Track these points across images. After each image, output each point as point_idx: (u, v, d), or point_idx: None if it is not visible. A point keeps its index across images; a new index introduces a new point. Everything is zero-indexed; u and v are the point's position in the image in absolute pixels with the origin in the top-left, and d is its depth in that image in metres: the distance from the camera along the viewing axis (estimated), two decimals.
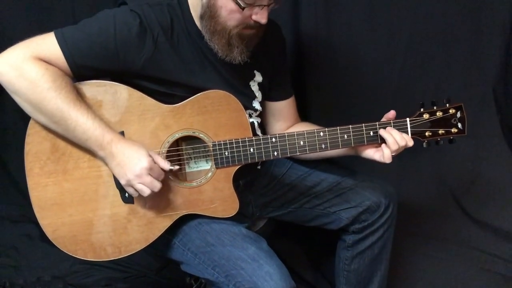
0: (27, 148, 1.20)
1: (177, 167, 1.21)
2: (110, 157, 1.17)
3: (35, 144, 1.20)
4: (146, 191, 1.16)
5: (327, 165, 1.53)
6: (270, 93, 1.47)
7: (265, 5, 1.17)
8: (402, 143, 1.26)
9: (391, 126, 1.29)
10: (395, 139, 1.26)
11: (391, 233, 1.51)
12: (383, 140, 1.29)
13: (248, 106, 1.37)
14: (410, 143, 1.28)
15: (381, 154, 1.29)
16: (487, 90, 2.01)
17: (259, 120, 1.43)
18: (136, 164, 1.14)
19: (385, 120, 1.31)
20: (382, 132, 1.28)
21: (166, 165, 1.18)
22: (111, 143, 1.16)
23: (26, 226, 2.12)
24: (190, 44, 1.26)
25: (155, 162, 1.17)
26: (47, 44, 1.16)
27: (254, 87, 1.40)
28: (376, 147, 1.32)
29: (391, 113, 1.31)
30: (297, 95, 1.55)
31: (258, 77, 1.40)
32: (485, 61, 1.99)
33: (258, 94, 1.41)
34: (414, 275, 1.85)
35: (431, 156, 2.04)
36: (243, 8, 1.16)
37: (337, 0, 1.89)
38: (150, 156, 1.17)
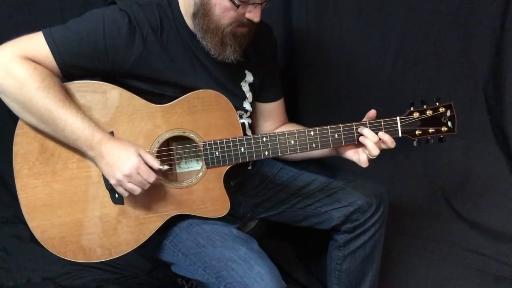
0: (16, 149, 1.19)
1: (166, 167, 1.20)
2: (99, 157, 1.16)
3: (24, 145, 1.19)
4: (136, 190, 1.16)
5: (317, 165, 1.53)
6: (260, 95, 1.46)
7: (258, 4, 1.18)
8: (380, 141, 1.24)
9: (381, 125, 1.27)
10: (373, 142, 1.24)
11: (382, 232, 1.51)
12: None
13: (238, 107, 1.36)
14: (392, 145, 1.26)
15: (358, 157, 1.29)
16: (478, 90, 2.02)
17: (249, 121, 1.43)
18: (125, 163, 1.14)
19: (365, 120, 1.29)
20: (362, 139, 1.26)
21: (156, 164, 1.17)
22: (101, 143, 1.15)
23: (16, 228, 2.10)
24: (180, 44, 1.26)
25: (145, 161, 1.16)
26: (35, 43, 1.15)
27: (245, 87, 1.39)
28: (356, 147, 1.30)
29: (371, 112, 1.29)
30: (288, 95, 1.55)
31: (249, 77, 1.40)
32: (476, 62, 1.99)
33: (249, 95, 1.40)
34: (405, 275, 1.85)
35: (422, 157, 2.05)
36: (237, 6, 1.16)
37: (329, 0, 1.89)
38: (140, 155, 1.16)
